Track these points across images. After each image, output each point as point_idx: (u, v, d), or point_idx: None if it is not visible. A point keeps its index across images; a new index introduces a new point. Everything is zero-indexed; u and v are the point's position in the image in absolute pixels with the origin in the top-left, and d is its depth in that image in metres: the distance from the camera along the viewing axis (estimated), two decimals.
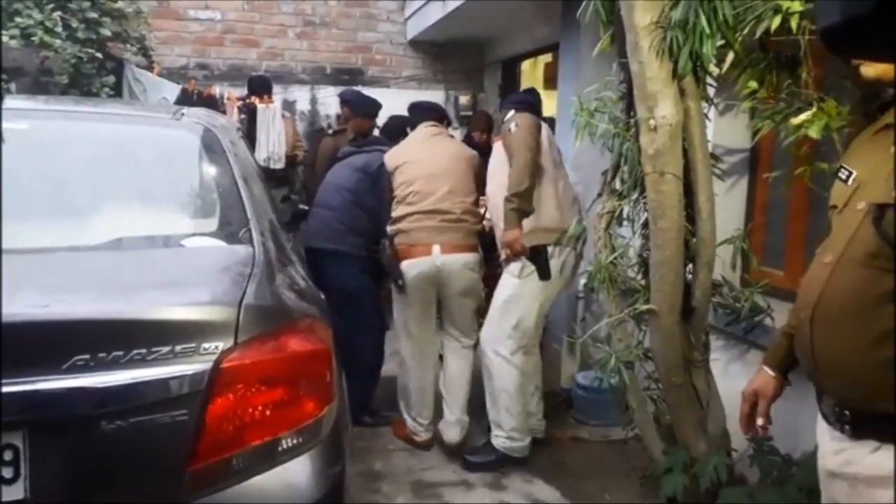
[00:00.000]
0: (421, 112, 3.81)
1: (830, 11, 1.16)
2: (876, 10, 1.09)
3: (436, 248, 3.33)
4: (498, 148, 3.35)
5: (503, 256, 3.26)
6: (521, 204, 3.07)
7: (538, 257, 3.18)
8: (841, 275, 1.29)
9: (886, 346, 1.22)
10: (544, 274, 3.19)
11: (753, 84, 1.83)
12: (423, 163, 3.48)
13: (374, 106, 5.15)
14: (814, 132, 1.52)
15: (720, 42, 1.90)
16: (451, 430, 3.53)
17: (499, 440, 3.34)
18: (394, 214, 3.47)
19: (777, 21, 1.57)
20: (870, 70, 1.25)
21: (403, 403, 3.64)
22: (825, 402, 1.43)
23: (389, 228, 3.49)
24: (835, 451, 1.39)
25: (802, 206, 2.93)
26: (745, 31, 1.76)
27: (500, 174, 3.24)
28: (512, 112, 3.26)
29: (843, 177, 1.35)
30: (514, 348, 3.27)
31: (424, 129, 3.68)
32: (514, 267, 3.23)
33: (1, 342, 1.29)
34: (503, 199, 3.11)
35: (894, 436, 1.27)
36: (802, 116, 1.55)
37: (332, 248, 3.69)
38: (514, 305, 3.25)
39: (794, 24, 1.54)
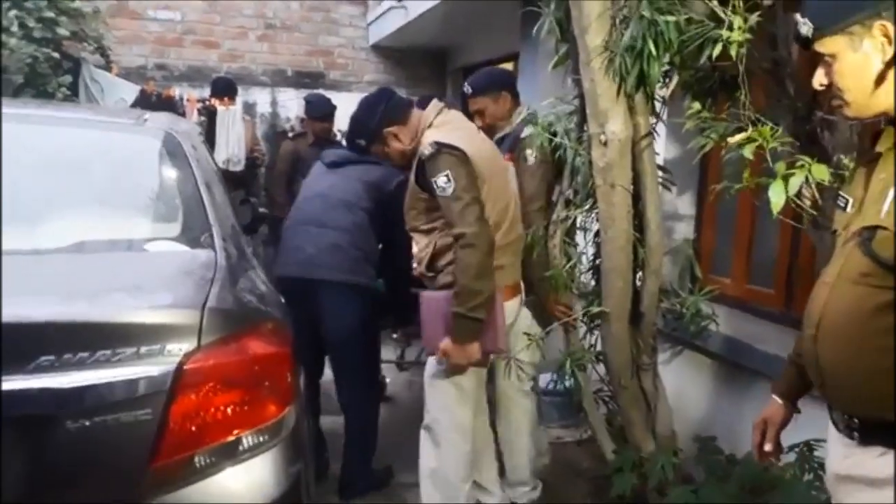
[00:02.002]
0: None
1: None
2: None
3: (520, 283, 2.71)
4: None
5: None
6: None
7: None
8: (839, 293, 1.37)
9: (885, 357, 1.29)
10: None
11: (696, 105, 1.94)
12: (500, 169, 2.60)
13: (331, 107, 5.25)
14: (747, 152, 1.63)
15: (667, 64, 2.01)
16: (525, 495, 2.97)
17: (524, 497, 2.96)
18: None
19: (718, 48, 1.67)
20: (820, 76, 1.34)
21: (457, 478, 2.65)
22: (835, 412, 1.48)
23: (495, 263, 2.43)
24: (843, 455, 1.45)
25: (747, 217, 3.06)
26: (690, 55, 1.86)
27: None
28: (503, 96, 2.90)
29: (842, 204, 1.44)
30: (529, 378, 2.83)
31: (455, 113, 2.68)
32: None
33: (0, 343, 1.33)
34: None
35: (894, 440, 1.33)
36: (738, 137, 1.65)
37: (340, 280, 2.96)
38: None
39: (733, 52, 1.65)
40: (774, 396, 1.72)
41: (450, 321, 2.36)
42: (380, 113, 2.58)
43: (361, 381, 3.17)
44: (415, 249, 2.61)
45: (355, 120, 2.67)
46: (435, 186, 2.33)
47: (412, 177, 2.48)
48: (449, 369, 2.50)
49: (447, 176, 2.30)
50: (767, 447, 1.71)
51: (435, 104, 2.62)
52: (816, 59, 1.34)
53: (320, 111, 5.32)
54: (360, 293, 3.01)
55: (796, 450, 2.18)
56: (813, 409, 2.44)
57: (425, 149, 2.35)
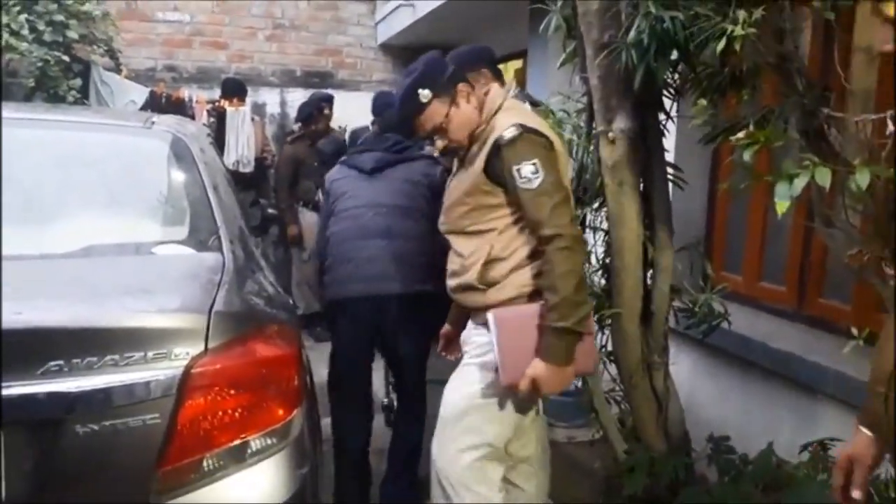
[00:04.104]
0: (482, 58, 2.69)
1: None
2: None
3: None
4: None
5: None
6: None
7: None
8: None
9: None
10: None
11: (703, 102, 1.92)
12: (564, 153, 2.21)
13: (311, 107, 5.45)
14: (747, 155, 1.62)
15: (674, 60, 1.99)
16: None
17: None
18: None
19: (722, 44, 1.66)
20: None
21: None
22: None
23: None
24: None
25: (759, 214, 3.04)
26: (697, 51, 1.84)
27: None
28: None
29: None
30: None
31: (513, 99, 2.27)
32: None
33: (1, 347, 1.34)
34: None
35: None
36: (739, 135, 1.63)
37: (413, 292, 2.81)
38: None
39: (737, 46, 1.63)
40: (862, 429, 1.43)
41: (544, 340, 1.96)
42: (464, 59, 2.25)
43: (424, 395, 3.07)
44: (454, 257, 2.20)
45: (419, 66, 2.20)
46: (517, 177, 1.97)
47: (479, 165, 2.06)
48: (524, 398, 2.06)
49: (535, 165, 1.96)
50: (856, 494, 1.40)
51: (501, 89, 2.24)
52: None
53: (301, 114, 5.46)
54: (429, 303, 2.80)
55: (810, 449, 2.15)
56: (826, 409, 2.43)
57: (505, 131, 1.98)
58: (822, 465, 2.12)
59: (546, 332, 1.94)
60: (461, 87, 2.13)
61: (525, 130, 1.98)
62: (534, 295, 2.04)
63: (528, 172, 1.96)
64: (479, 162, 2.06)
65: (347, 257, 2.86)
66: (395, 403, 3.62)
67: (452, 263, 2.20)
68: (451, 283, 2.22)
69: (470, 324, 2.28)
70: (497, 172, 2.03)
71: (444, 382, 2.26)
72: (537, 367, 1.96)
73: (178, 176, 2.18)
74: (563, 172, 2.08)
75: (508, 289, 2.07)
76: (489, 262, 2.08)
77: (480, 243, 2.09)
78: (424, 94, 2.11)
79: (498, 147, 2.00)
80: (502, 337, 2.01)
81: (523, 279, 2.06)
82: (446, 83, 2.13)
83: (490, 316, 2.02)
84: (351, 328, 2.92)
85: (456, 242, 2.18)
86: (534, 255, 2.05)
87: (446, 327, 2.57)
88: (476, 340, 2.19)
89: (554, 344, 1.94)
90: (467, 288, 2.13)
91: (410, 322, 2.86)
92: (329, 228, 2.99)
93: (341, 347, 2.98)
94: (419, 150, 3.10)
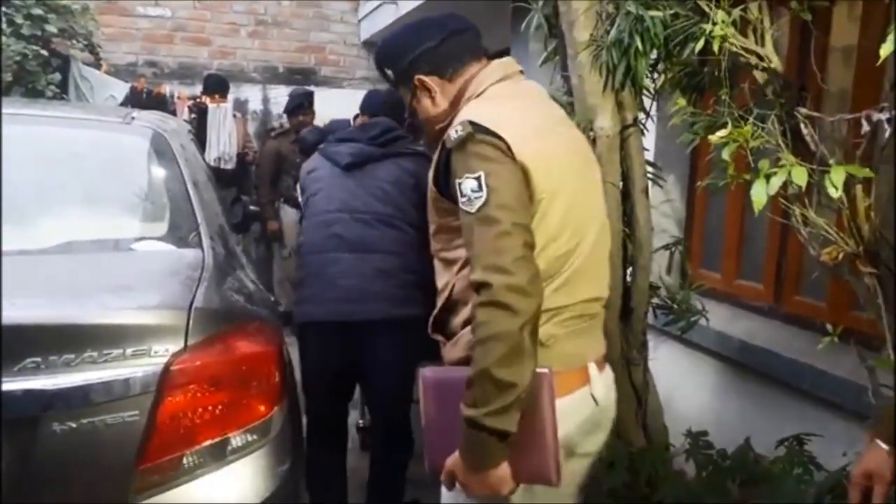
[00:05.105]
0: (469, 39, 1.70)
1: None
2: None
3: (592, 368, 1.61)
4: None
5: None
6: None
7: None
8: None
9: None
10: None
11: (682, 101, 1.94)
12: (581, 179, 1.59)
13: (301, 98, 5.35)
14: (726, 154, 1.64)
15: (654, 59, 2.01)
16: None
17: None
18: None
19: (701, 44, 1.68)
20: None
21: None
22: None
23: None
24: None
25: (737, 212, 3.07)
26: (676, 50, 1.86)
27: None
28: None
29: None
30: None
31: (522, 83, 1.67)
32: None
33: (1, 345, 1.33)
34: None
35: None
36: (719, 134, 1.66)
37: (393, 317, 2.36)
38: None
39: (716, 46, 1.65)
40: (878, 442, 1.33)
41: (462, 428, 1.40)
42: (424, 44, 1.64)
43: (407, 436, 2.63)
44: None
45: (388, 40, 1.76)
46: (458, 195, 1.44)
47: (430, 172, 1.60)
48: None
49: (478, 180, 1.40)
50: None
51: (502, 64, 1.64)
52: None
53: (291, 104, 5.40)
54: (414, 328, 2.25)
55: (786, 444, 2.19)
56: (802, 404, 2.47)
57: (453, 130, 1.47)
58: (798, 460, 2.15)
59: (463, 421, 1.38)
60: (420, 78, 1.65)
61: (476, 129, 1.42)
62: None
63: (468, 189, 1.41)
64: (431, 170, 1.60)
65: (316, 273, 2.44)
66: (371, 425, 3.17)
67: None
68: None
69: None
70: (447, 183, 1.52)
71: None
72: (455, 460, 1.44)
73: (159, 172, 2.17)
74: (546, 190, 1.45)
75: (461, 344, 1.54)
76: (450, 305, 1.60)
77: (448, 278, 1.61)
78: (388, 74, 1.73)
79: (445, 150, 1.50)
80: (426, 406, 1.53)
81: None
82: (405, 69, 1.68)
83: (419, 376, 1.55)
84: (318, 359, 2.48)
85: (437, 273, 1.69)
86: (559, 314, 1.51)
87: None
88: None
89: (466, 437, 1.39)
90: (434, 336, 1.66)
91: (390, 354, 2.39)
92: (301, 234, 2.59)
93: (308, 380, 2.51)
94: (410, 144, 2.59)
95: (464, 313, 1.55)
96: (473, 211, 1.40)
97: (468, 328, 1.49)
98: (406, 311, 2.35)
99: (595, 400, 1.59)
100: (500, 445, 1.38)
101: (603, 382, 1.62)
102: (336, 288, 2.37)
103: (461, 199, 1.43)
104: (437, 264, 1.67)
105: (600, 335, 1.68)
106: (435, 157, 1.56)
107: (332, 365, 2.47)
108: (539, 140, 1.49)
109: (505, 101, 1.57)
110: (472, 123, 1.43)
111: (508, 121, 1.46)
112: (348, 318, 2.35)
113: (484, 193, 1.39)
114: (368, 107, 3.14)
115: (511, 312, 1.33)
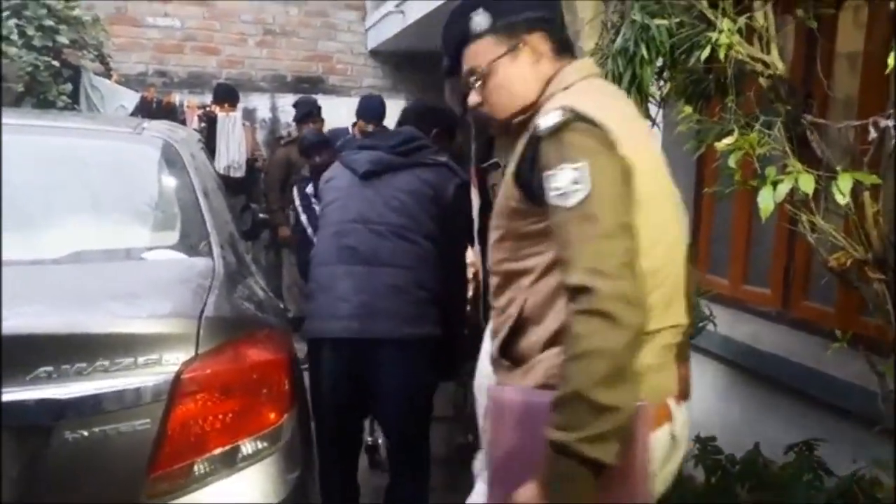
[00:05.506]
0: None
1: None
2: None
3: (672, 403, 1.43)
4: None
5: None
6: None
7: None
8: None
9: None
10: None
11: (688, 109, 1.94)
12: (669, 188, 1.44)
13: (309, 106, 5.39)
14: (731, 161, 1.64)
15: (660, 67, 2.01)
16: None
17: None
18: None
19: (707, 51, 1.69)
20: None
21: None
22: None
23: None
24: None
25: (744, 218, 3.07)
26: (682, 58, 1.87)
27: None
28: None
29: None
30: None
31: (609, 85, 1.64)
32: None
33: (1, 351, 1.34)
34: None
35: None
36: (725, 141, 1.66)
37: (404, 336, 2.26)
38: None
39: (721, 54, 1.66)
40: None
41: (546, 455, 1.21)
42: (545, 8, 1.47)
43: (423, 457, 2.47)
44: (494, 312, 1.50)
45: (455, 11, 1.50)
46: (549, 187, 1.27)
47: (510, 168, 1.41)
48: None
49: (579, 171, 1.23)
50: None
51: (587, 63, 1.54)
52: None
53: (300, 112, 5.44)
54: (427, 347, 2.29)
55: (795, 449, 2.18)
56: (810, 410, 2.46)
57: (547, 117, 1.29)
58: (808, 466, 2.15)
59: (551, 447, 1.20)
60: (534, 37, 1.43)
61: (575, 117, 1.27)
62: None
63: (565, 181, 1.24)
64: (512, 164, 1.41)
65: (325, 286, 2.34)
66: (381, 443, 3.12)
67: (493, 320, 1.51)
68: (488, 355, 1.55)
69: None
70: (535, 181, 1.32)
71: (444, 419, 1.73)
72: (527, 493, 1.25)
73: (169, 181, 2.19)
74: (641, 196, 1.29)
75: (538, 370, 1.35)
76: (519, 326, 1.39)
77: (514, 294, 1.41)
78: (479, 20, 1.44)
79: (537, 140, 1.31)
80: (496, 431, 1.35)
81: (560, 355, 1.28)
82: (516, 23, 1.43)
83: (486, 393, 1.40)
84: (328, 376, 2.37)
85: (495, 289, 1.48)
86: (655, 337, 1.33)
87: None
88: None
89: (551, 465, 1.21)
90: (495, 362, 1.46)
91: (401, 373, 2.28)
92: (314, 245, 2.51)
93: (317, 397, 2.40)
94: (434, 155, 2.46)
95: (538, 333, 1.36)
96: (570, 206, 1.23)
97: (550, 352, 1.33)
98: (418, 329, 2.26)
99: (674, 438, 1.43)
100: (591, 480, 1.19)
101: (681, 418, 1.45)
102: (346, 303, 2.27)
103: (553, 194, 1.26)
104: (495, 280, 1.47)
105: (677, 365, 1.46)
106: (519, 149, 1.38)
107: (342, 382, 2.37)
108: (639, 140, 1.35)
109: (597, 95, 1.41)
110: (570, 110, 1.28)
111: (609, 113, 1.31)
112: (358, 335, 2.25)
113: (584, 187, 1.23)
114: (365, 112, 3.07)
115: (616, 324, 1.17)
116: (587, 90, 1.41)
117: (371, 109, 4.13)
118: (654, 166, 1.37)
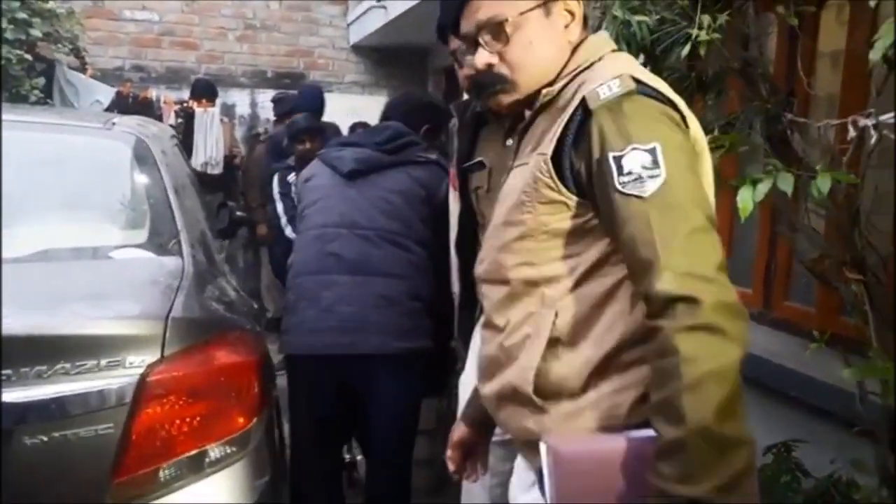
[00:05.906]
0: None
1: None
2: None
3: None
4: None
5: None
6: None
7: None
8: None
9: None
10: None
11: None
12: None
13: (290, 104, 5.14)
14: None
15: (642, 64, 1.99)
16: None
17: None
18: None
19: (688, 48, 1.67)
20: None
21: None
22: None
23: None
24: None
25: (725, 217, 3.04)
26: (663, 55, 1.85)
27: None
28: None
29: None
30: None
31: (625, 55, 1.33)
32: None
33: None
34: None
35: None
36: None
37: (396, 351, 2.10)
38: None
39: (702, 51, 1.64)
40: None
41: None
42: None
43: (405, 478, 2.30)
44: (488, 333, 1.25)
45: None
46: (613, 173, 1.04)
47: (545, 148, 1.12)
48: None
49: (654, 153, 1.03)
50: None
51: (606, 37, 1.39)
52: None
53: (279, 110, 5.38)
54: (419, 361, 2.14)
55: (774, 450, 2.17)
56: (790, 411, 2.45)
57: (604, 85, 1.08)
58: (786, 467, 2.14)
59: (652, 497, 0.98)
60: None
61: (641, 88, 1.07)
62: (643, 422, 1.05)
63: (636, 164, 1.03)
64: (547, 144, 1.11)
65: (309, 297, 2.14)
66: (360, 461, 2.92)
67: (485, 345, 1.25)
68: (486, 386, 1.24)
69: (517, 465, 1.34)
70: (578, 165, 1.09)
71: (427, 433, 1.65)
72: None
73: (139, 178, 2.13)
74: (708, 181, 1.16)
75: (589, 409, 1.10)
76: (551, 348, 1.11)
77: (533, 308, 1.15)
78: None
79: (586, 113, 1.08)
80: (561, 491, 1.06)
81: (623, 388, 1.09)
82: None
83: (543, 449, 1.08)
84: (309, 397, 2.21)
85: (493, 302, 1.22)
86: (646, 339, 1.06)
87: (460, 430, 1.44)
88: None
89: None
90: (511, 397, 1.17)
91: (392, 392, 2.12)
92: (293, 250, 2.31)
93: (296, 419, 2.25)
94: (423, 152, 2.27)
95: (579, 359, 1.10)
96: (647, 195, 1.01)
97: (607, 384, 1.09)
98: (411, 343, 2.09)
99: None
100: None
101: None
102: (331, 316, 2.08)
103: (621, 179, 1.03)
104: (498, 291, 1.20)
105: None
106: (558, 127, 1.11)
107: (325, 404, 2.19)
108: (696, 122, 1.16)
109: (636, 65, 1.20)
110: (635, 79, 1.07)
111: (665, 86, 1.11)
112: (345, 351, 2.07)
113: (663, 172, 1.02)
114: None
115: (726, 339, 0.98)
116: (629, 60, 1.22)
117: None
118: (708, 154, 1.20)
